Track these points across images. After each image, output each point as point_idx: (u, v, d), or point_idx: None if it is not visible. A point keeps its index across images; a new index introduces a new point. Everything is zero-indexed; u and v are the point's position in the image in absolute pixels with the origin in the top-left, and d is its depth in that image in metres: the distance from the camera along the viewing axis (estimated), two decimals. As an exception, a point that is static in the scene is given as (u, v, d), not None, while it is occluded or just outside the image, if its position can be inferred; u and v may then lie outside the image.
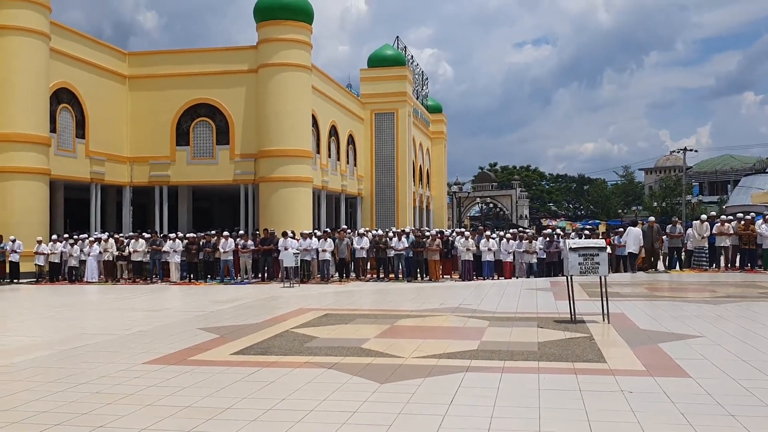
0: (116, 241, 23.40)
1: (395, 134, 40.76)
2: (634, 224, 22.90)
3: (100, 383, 7.01)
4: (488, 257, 21.46)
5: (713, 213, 22.70)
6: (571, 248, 10.55)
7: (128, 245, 22.97)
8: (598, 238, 20.73)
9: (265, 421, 5.62)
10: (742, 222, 20.90)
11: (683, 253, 21.91)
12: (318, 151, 32.46)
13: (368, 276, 22.36)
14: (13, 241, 22.56)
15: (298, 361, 8.02)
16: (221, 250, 21.94)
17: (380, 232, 23.67)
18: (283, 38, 28.89)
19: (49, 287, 21.42)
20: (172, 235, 23.20)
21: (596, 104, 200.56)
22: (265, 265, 22.33)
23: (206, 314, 13.08)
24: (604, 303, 10.66)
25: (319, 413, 5.77)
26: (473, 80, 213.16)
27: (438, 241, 21.70)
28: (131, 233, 25.22)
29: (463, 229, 26.97)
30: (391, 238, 22.16)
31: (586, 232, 24.16)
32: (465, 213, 72.08)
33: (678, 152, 60.65)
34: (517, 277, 21.32)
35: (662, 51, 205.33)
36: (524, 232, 23.98)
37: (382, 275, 22.22)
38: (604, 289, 10.63)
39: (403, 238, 21.86)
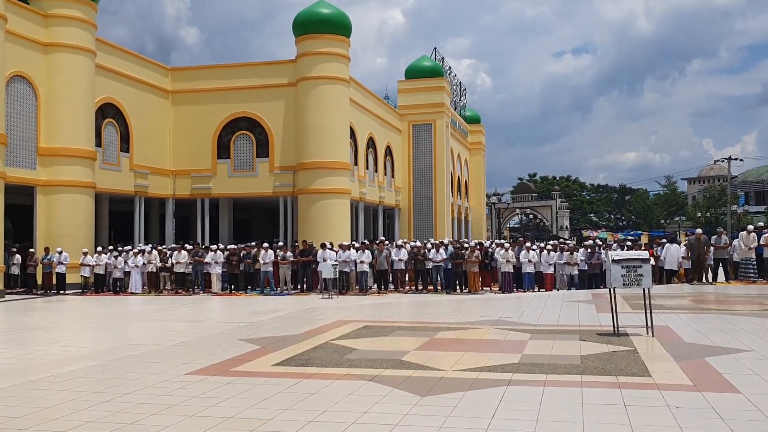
0: (159, 252, 23.81)
1: (433, 145, 40.72)
2: (674, 240, 22.48)
3: (145, 394, 7.12)
4: (528, 269, 21.25)
5: (761, 223, 22.12)
6: (613, 260, 10.40)
7: (171, 257, 23.35)
8: (640, 249, 20.38)
9: (307, 433, 5.63)
10: (791, 232, 20.33)
11: (729, 265, 21.40)
12: (356, 163, 32.61)
13: (407, 288, 22.33)
14: (60, 252, 23.08)
15: (339, 372, 8.04)
16: (261, 262, 22.16)
17: (418, 243, 23.63)
18: (321, 52, 29.17)
19: (95, 298, 21.86)
20: (214, 247, 23.54)
21: (637, 113, 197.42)
22: (304, 276, 22.48)
23: (247, 325, 13.20)
24: (648, 316, 10.46)
25: (360, 426, 5.76)
26: (512, 90, 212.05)
27: (477, 252, 21.56)
28: (174, 245, 25.65)
29: (502, 241, 26.77)
30: (429, 250, 22.10)
31: (628, 243, 23.78)
32: (504, 224, 71.59)
33: (722, 161, 59.33)
34: (558, 289, 21.08)
35: (705, 58, 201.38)
36: (565, 244, 23.72)
37: (420, 287, 22.16)
38: (647, 302, 10.43)
39: (441, 250, 21.79)
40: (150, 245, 25.06)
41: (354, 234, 31.62)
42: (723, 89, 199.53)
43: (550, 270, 21.50)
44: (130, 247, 24.49)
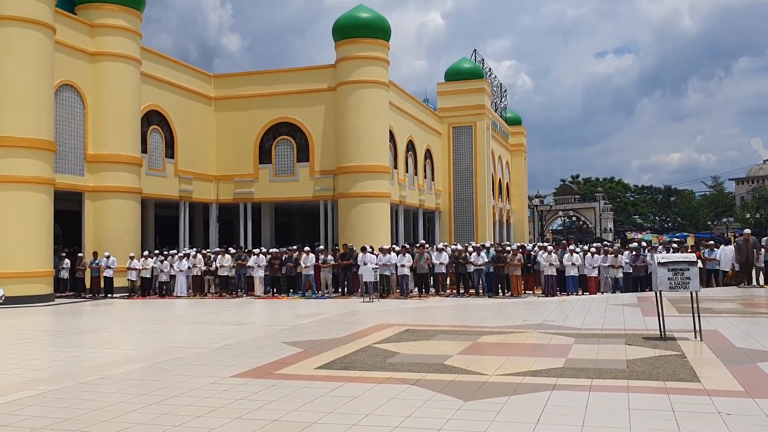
0: (204, 256, 24.18)
1: (473, 147, 40.54)
2: (728, 242, 21.99)
3: (191, 396, 7.23)
4: (572, 272, 20.98)
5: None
6: (659, 263, 10.20)
7: (215, 260, 23.69)
8: (686, 251, 19.97)
9: (351, 436, 5.65)
10: None
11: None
12: (396, 167, 32.64)
13: (448, 291, 22.24)
14: (108, 257, 23.58)
15: (381, 376, 8.05)
16: (303, 265, 22.32)
17: (459, 246, 23.52)
18: (360, 56, 29.30)
19: (141, 301, 22.30)
20: (256, 251, 23.81)
21: (682, 113, 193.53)
22: (345, 279, 22.57)
23: (290, 328, 13.31)
24: (696, 319, 10.23)
25: (403, 430, 5.75)
26: (553, 91, 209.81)
27: (519, 255, 21.38)
28: (218, 249, 26.00)
29: (545, 244, 26.49)
30: (470, 253, 21.99)
31: (674, 245, 23.30)
32: (547, 226, 70.81)
33: (772, 161, 57.72)
34: (603, 293, 20.75)
35: (753, 56, 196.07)
36: (609, 246, 23.35)
37: (461, 291, 22.05)
38: (695, 305, 10.20)
39: (483, 253, 21.65)
40: (195, 249, 25.47)
41: (394, 237, 31.64)
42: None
43: (595, 273, 21.19)
44: (175, 251, 24.90)
